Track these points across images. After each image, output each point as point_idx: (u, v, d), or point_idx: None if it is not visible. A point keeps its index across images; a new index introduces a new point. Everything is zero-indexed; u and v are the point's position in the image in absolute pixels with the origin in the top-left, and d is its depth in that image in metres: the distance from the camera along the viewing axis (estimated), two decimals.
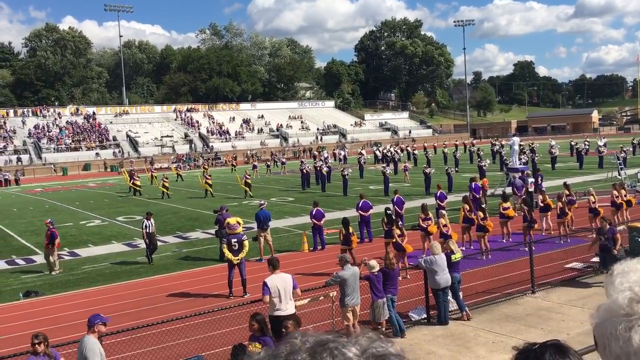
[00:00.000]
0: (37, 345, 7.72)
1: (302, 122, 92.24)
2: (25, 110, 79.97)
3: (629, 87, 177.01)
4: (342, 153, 57.27)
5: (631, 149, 43.28)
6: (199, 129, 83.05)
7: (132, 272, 17.11)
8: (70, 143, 72.14)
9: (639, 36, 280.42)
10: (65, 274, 17.37)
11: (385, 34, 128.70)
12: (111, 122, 79.98)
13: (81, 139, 73.62)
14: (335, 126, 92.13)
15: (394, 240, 15.10)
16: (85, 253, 20.25)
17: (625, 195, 18.80)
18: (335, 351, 0.88)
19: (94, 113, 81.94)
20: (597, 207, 18.14)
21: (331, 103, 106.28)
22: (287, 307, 9.44)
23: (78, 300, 14.48)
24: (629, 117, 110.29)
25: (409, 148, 54.89)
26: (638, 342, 1.02)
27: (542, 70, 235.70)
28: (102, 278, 16.62)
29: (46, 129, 74.46)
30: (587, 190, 18.77)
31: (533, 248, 13.75)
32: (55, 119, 77.99)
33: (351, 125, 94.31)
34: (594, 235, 17.17)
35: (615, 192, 18.64)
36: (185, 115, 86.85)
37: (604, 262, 13.46)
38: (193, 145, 77.23)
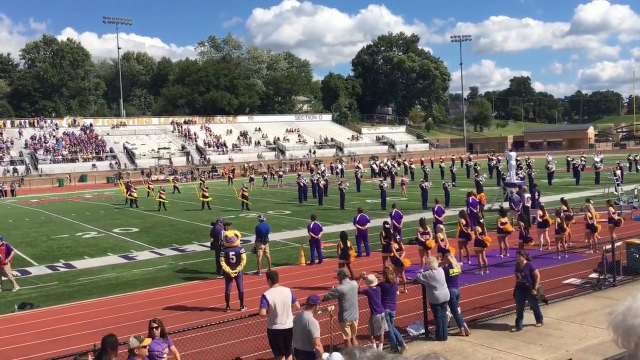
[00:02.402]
0: (154, 329, 8.45)
1: (299, 135, 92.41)
2: (23, 121, 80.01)
3: (625, 104, 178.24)
4: (339, 167, 57.34)
5: (627, 165, 43.42)
6: (196, 141, 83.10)
7: (128, 285, 17.00)
8: (67, 154, 72.06)
9: (634, 53, 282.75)
10: (61, 285, 17.26)
11: (382, 48, 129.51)
12: (108, 134, 79.98)
13: (78, 150, 73.55)
14: (332, 140, 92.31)
15: (392, 254, 15.07)
16: (81, 265, 20.13)
17: (614, 213, 18.77)
18: None
19: (91, 124, 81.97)
20: (594, 223, 18.16)
21: (328, 116, 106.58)
22: (286, 321, 9.38)
23: (74, 313, 14.37)
24: (624, 134, 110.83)
25: (406, 162, 54.97)
26: None
27: (538, 86, 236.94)
28: (98, 290, 16.51)
29: (43, 140, 74.39)
30: (586, 206, 18.76)
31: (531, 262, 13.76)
32: (52, 130, 77.97)
33: (348, 138, 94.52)
34: (591, 251, 17.21)
35: (611, 209, 18.67)
36: (182, 127, 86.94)
37: (520, 303, 11.51)
38: (190, 158, 77.23)
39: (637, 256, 14.84)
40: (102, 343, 7.86)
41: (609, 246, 14.77)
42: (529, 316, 11.73)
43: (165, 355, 8.49)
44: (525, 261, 11.68)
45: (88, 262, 20.63)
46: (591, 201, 19.37)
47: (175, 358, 8.75)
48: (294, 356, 9.34)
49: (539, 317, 11.52)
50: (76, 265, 20.19)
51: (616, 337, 1.11)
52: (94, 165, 70.39)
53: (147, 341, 7.83)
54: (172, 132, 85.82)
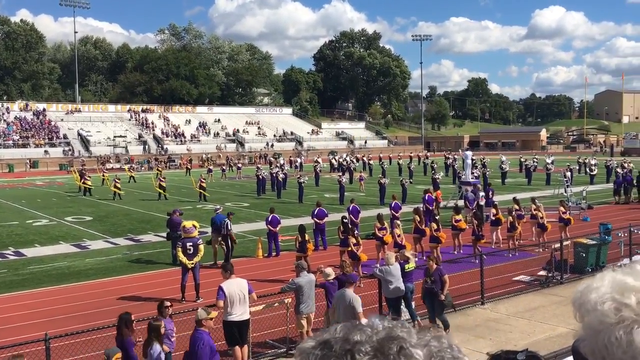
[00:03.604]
0: (168, 308, 9.06)
1: (259, 127, 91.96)
2: None
3: (576, 108, 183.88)
4: (299, 160, 57.36)
5: (577, 168, 44.88)
6: (153, 130, 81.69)
7: (80, 274, 16.67)
8: (18, 139, 69.81)
9: (586, 59, 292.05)
10: (10, 274, 16.79)
11: (344, 44, 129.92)
12: (62, 120, 77.81)
13: (30, 135, 71.34)
14: (292, 133, 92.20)
15: (350, 248, 15.24)
16: (31, 253, 19.61)
17: (564, 213, 19.43)
18: (403, 350, 0.90)
19: (44, 109, 79.57)
20: (545, 222, 18.76)
21: (289, 110, 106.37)
22: (243, 313, 9.40)
23: (23, 302, 14.02)
24: (575, 137, 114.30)
25: (364, 158, 55.41)
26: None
27: (494, 88, 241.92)
28: (48, 279, 16.14)
29: None
30: (537, 206, 19.29)
31: (485, 257, 14.15)
32: (3, 114, 75.37)
33: (308, 133, 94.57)
34: (540, 250, 17.78)
35: (562, 209, 19.32)
36: (139, 115, 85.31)
37: (431, 309, 11.45)
38: (147, 147, 75.90)
39: (584, 255, 15.42)
40: (119, 320, 8.54)
41: (557, 245, 15.29)
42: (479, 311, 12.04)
43: (174, 334, 9.07)
44: (435, 266, 11.52)
45: (38, 250, 20.12)
46: (537, 201, 19.97)
47: None
48: (248, 346, 9.38)
49: (446, 325, 11.18)
50: (26, 253, 19.67)
51: (574, 311, 1.22)
52: (46, 152, 68.40)
53: (214, 314, 8.38)
54: (129, 120, 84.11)
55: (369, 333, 0.93)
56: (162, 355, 8.12)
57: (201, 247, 13.69)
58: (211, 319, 8.14)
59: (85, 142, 73.06)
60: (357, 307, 9.20)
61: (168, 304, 9.27)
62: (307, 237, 15.98)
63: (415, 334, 0.95)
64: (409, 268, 11.89)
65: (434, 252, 16.83)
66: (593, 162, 41.51)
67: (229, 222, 17.36)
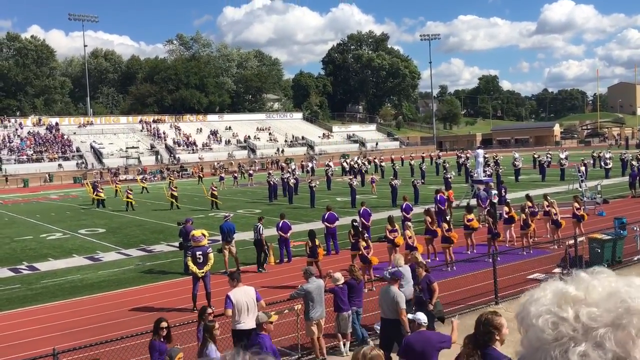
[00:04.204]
0: (210, 315, 9.01)
1: (269, 133, 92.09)
2: None
3: (589, 102, 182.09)
4: (310, 165, 57.30)
5: (591, 162, 44.35)
6: (165, 140, 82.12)
7: (93, 287, 16.70)
8: (32, 154, 70.53)
9: (598, 52, 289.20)
10: (23, 288, 16.87)
11: (352, 47, 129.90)
12: (75, 133, 78.49)
13: (43, 150, 72.05)
14: (303, 138, 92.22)
15: (360, 252, 15.11)
16: (44, 267, 19.70)
17: (578, 209, 19.10)
18: None
19: (56, 124, 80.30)
20: (559, 218, 18.49)
21: (299, 115, 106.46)
22: (250, 322, 9.31)
23: (37, 316, 14.06)
24: (589, 131, 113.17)
25: (376, 160, 55.22)
26: None
27: (505, 85, 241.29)
28: (62, 293, 16.18)
29: (7, 139, 72.63)
30: (551, 202, 19.04)
31: (498, 258, 13.94)
32: (17, 129, 76.18)
33: (319, 137, 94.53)
34: (556, 247, 17.52)
35: (576, 204, 19.01)
36: (151, 126, 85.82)
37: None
38: (159, 157, 76.31)
39: (599, 251, 15.17)
40: (155, 325, 8.71)
41: (572, 241, 15.05)
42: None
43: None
44: (423, 273, 10.73)
45: (52, 264, 20.21)
46: (549, 197, 19.71)
47: None
48: None
49: None
50: (40, 267, 19.76)
51: (518, 325, 1.10)
52: (60, 165, 68.99)
53: (274, 317, 8.48)
54: (141, 131, 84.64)
55: None
56: (218, 355, 8.14)
57: (211, 255, 13.63)
58: (271, 322, 8.24)
59: (98, 154, 73.63)
60: (400, 304, 9.30)
61: (210, 310, 9.29)
62: (318, 242, 15.88)
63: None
64: None
65: (447, 252, 16.68)
66: (608, 155, 40.99)
67: (260, 227, 17.58)
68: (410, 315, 8.19)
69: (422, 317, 7.75)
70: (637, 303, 0.99)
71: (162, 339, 8.56)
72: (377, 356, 4.83)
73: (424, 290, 10.55)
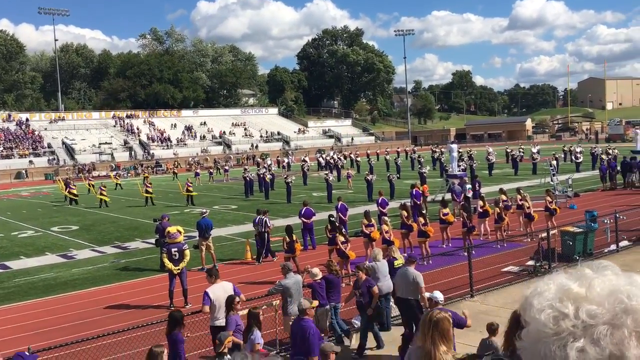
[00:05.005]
0: (238, 304, 9.17)
1: (245, 129, 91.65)
2: None
3: (560, 97, 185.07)
4: (286, 160, 57.19)
5: (562, 156, 45.09)
6: (139, 136, 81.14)
7: (67, 285, 16.47)
8: (2, 151, 69.08)
9: (568, 48, 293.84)
10: None
11: (327, 42, 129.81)
12: (46, 129, 77.05)
13: (13, 146, 70.62)
14: (278, 133, 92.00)
15: (338, 247, 15.17)
16: (16, 265, 19.36)
17: (551, 202, 19.43)
18: None
19: (27, 119, 78.73)
20: (531, 212, 18.80)
21: (274, 110, 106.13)
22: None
23: (9, 315, 13.82)
24: (560, 125, 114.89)
25: (351, 155, 55.39)
26: (575, 357, 1.03)
27: (479, 80, 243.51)
28: (34, 291, 15.92)
29: None
30: (524, 196, 19.36)
31: (473, 252, 14.13)
32: None
33: (294, 132, 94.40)
34: (531, 240, 17.80)
35: (548, 198, 19.33)
36: (124, 121, 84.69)
37: (365, 323, 10.43)
38: (133, 153, 75.39)
39: (571, 243, 15.46)
40: (170, 319, 8.83)
41: (544, 234, 15.31)
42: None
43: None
44: (364, 277, 10.47)
45: (24, 262, 19.87)
46: (522, 191, 20.05)
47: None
48: None
49: (379, 342, 10.48)
50: (11, 265, 19.41)
51: (522, 316, 1.14)
52: (31, 162, 67.74)
53: (315, 303, 9.00)
54: (114, 126, 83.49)
55: None
56: (262, 340, 8.56)
57: (187, 252, 13.54)
58: (313, 307, 8.71)
59: (70, 150, 72.43)
60: (420, 283, 9.76)
61: (237, 299, 9.29)
62: (295, 237, 15.89)
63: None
64: (398, 264, 11.82)
65: (422, 246, 16.84)
66: (578, 149, 41.75)
67: (267, 219, 17.61)
68: (428, 294, 8.95)
69: (439, 295, 8.63)
70: (635, 303, 1.02)
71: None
72: (444, 318, 4.99)
73: (364, 294, 10.33)
